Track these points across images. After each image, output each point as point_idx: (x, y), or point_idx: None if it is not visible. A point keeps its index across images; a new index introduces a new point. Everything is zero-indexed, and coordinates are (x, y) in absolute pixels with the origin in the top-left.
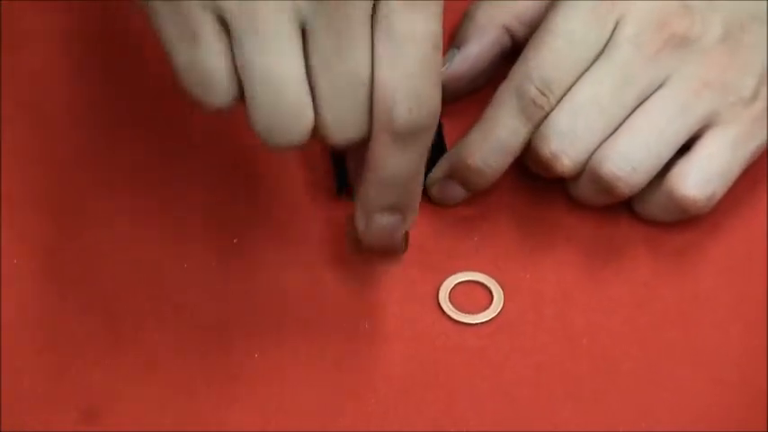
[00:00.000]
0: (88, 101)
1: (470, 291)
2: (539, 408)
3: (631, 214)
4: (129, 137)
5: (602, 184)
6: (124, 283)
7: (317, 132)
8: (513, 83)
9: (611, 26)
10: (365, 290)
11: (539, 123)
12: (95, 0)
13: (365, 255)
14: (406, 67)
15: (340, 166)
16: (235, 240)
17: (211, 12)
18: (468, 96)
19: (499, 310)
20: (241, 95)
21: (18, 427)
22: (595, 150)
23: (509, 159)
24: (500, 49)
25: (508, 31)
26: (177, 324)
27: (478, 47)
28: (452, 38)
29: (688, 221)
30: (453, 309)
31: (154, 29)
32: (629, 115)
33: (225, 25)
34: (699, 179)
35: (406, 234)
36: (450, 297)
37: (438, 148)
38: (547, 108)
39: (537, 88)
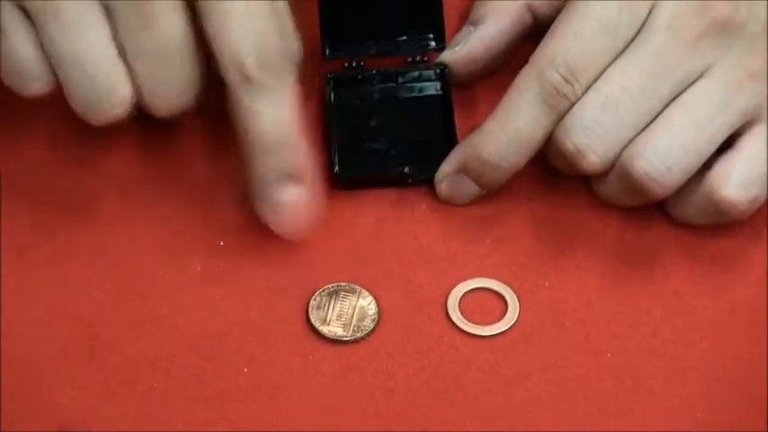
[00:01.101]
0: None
1: (482, 299)
2: (558, 429)
3: (663, 216)
4: (111, 137)
5: (633, 184)
6: (98, 291)
7: (145, 103)
8: (535, 68)
9: (645, 9)
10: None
11: (562, 114)
12: None
13: (365, 259)
14: (237, 11)
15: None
16: (221, 243)
17: (11, 2)
18: (482, 80)
19: (514, 320)
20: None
21: None
22: (626, 146)
23: (528, 153)
24: (521, 29)
25: (530, 8)
26: (157, 336)
27: (496, 26)
28: (467, 14)
29: (726, 226)
30: (463, 319)
31: None
32: (664, 108)
33: (28, 14)
34: (741, 180)
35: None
36: (459, 306)
37: (447, 140)
38: (572, 97)
39: (561, 75)
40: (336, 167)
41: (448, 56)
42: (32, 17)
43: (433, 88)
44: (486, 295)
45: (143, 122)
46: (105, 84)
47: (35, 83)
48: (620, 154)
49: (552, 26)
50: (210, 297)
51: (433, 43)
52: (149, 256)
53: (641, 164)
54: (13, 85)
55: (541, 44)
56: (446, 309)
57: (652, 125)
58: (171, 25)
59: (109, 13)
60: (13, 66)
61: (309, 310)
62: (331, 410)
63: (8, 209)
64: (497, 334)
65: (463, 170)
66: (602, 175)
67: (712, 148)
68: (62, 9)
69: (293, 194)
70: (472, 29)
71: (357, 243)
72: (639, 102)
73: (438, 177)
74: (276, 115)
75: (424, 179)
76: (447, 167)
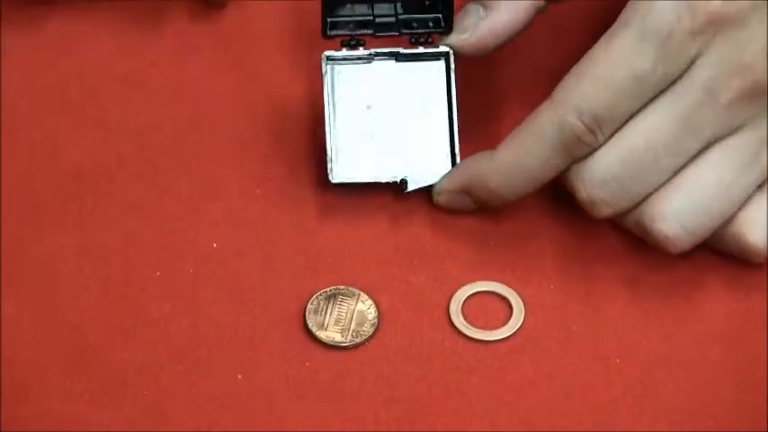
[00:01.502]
0: (56, 104)
1: (486, 303)
2: None
3: None
4: (98, 140)
5: (650, 239)
6: (86, 294)
7: None
8: (558, 111)
9: (684, 64)
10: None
11: (579, 159)
12: None
13: (364, 261)
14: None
15: (335, 154)
16: (214, 245)
17: None
18: (485, 82)
19: (519, 325)
20: None
21: None
22: (644, 200)
23: (536, 188)
24: (535, 11)
25: None
26: (148, 341)
27: (510, 15)
28: None
29: None
30: (466, 324)
31: None
32: (688, 163)
33: None
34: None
35: None
36: (462, 310)
37: (450, 146)
38: (593, 146)
39: (585, 124)
40: (330, 170)
41: (455, 41)
42: None
43: (435, 73)
44: (490, 299)
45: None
46: None
47: None
48: (636, 207)
49: (581, 65)
50: (202, 301)
51: (440, 23)
52: (139, 257)
53: (662, 226)
54: None
55: (567, 82)
56: (448, 313)
57: (674, 182)
58: None
59: None
60: None
61: (306, 314)
62: (328, 420)
63: None
64: (502, 339)
65: (466, 191)
66: (617, 217)
67: (736, 208)
68: None
69: None
70: (482, 12)
71: (356, 244)
72: (663, 159)
73: (437, 189)
74: None
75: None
76: (449, 185)
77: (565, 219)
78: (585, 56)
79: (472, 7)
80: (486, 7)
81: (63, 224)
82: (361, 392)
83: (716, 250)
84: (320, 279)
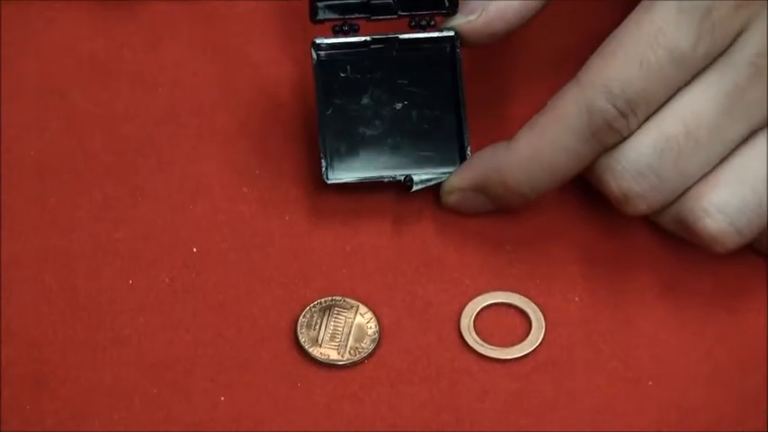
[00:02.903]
0: (12, 92)
1: (502, 317)
2: None
3: None
4: (62, 132)
5: (693, 238)
6: (47, 306)
7: None
8: (585, 94)
9: (728, 40)
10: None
11: (610, 148)
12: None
13: (364, 269)
14: None
15: (330, 156)
16: (194, 250)
17: None
18: (501, 60)
19: (539, 341)
20: None
21: None
22: (685, 193)
23: (561, 184)
24: None
25: None
26: (118, 360)
27: None
28: None
29: None
30: (479, 340)
31: None
32: (733, 151)
33: None
34: None
35: None
36: (475, 325)
37: (456, 144)
38: (625, 133)
39: (618, 109)
40: (325, 170)
41: (461, 24)
42: None
43: (439, 58)
44: (507, 312)
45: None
46: None
47: None
48: (676, 200)
49: (611, 41)
50: (180, 314)
51: (443, 4)
52: (108, 263)
53: (707, 223)
54: None
55: (596, 61)
56: (459, 328)
57: (719, 172)
58: None
59: None
60: None
61: (298, 328)
62: None
63: None
64: (519, 358)
65: (480, 189)
66: (654, 213)
67: None
68: None
69: None
70: None
71: (354, 250)
72: (706, 147)
73: (447, 188)
74: None
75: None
76: (460, 182)
77: (592, 219)
78: (615, 33)
79: None
80: None
81: (21, 227)
82: (359, 417)
83: (762, 252)
84: (314, 289)
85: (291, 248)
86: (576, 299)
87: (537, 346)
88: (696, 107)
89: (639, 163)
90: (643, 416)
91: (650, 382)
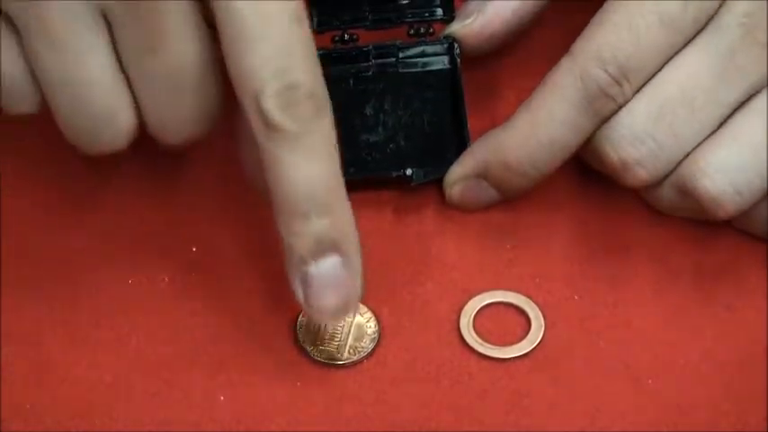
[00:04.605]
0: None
1: (501, 316)
2: None
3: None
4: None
5: (694, 205)
6: (47, 305)
7: (147, 131)
8: (578, 63)
9: (716, 2)
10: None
11: (606, 118)
12: None
13: (363, 269)
14: (265, 50)
15: None
16: (193, 249)
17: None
18: (498, 62)
19: (538, 340)
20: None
21: None
22: (684, 159)
23: (562, 160)
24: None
25: None
26: (116, 360)
27: None
28: None
29: None
30: (479, 339)
31: None
32: (731, 115)
33: (14, 25)
34: None
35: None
36: (474, 324)
37: (457, 130)
38: (620, 100)
39: (610, 75)
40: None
41: (458, 29)
42: (19, 30)
43: (439, 67)
44: (506, 311)
45: None
46: (103, 111)
47: (21, 103)
48: (676, 167)
49: (600, 12)
50: (180, 313)
51: (440, 12)
52: (107, 263)
53: (707, 184)
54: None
55: (586, 33)
56: (458, 327)
57: (717, 135)
58: (183, 46)
59: (109, 27)
60: None
61: (298, 328)
62: None
63: None
64: (519, 356)
65: (483, 175)
66: (653, 184)
67: None
68: (53, 24)
69: (329, 268)
70: None
71: None
72: (701, 110)
73: (449, 180)
74: (308, 170)
75: (430, 182)
76: (462, 170)
77: (590, 219)
78: (605, 5)
79: None
80: None
81: (21, 226)
82: (359, 417)
83: (760, 236)
84: None
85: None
86: (576, 297)
87: (536, 345)
88: (690, 71)
89: (636, 129)
90: (643, 415)
91: (650, 381)
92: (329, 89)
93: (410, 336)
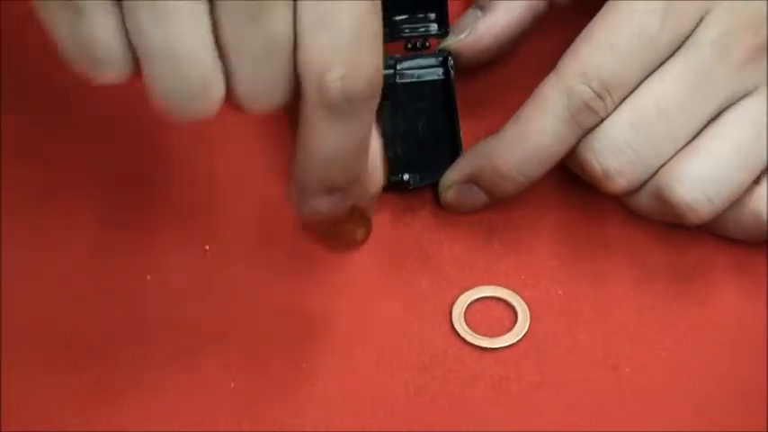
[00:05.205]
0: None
1: (490, 309)
2: None
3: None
4: (95, 144)
5: (669, 211)
6: (78, 294)
7: (231, 100)
8: (564, 80)
9: (693, 21)
10: (361, 308)
11: (589, 129)
12: None
13: (363, 265)
14: (335, 31)
15: None
16: (207, 247)
17: None
18: (489, 74)
19: (524, 331)
20: (137, 66)
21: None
22: (660, 168)
23: (548, 167)
24: (533, 16)
25: None
26: (132, 353)
27: (508, 15)
28: None
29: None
30: (469, 330)
31: None
32: (704, 128)
33: None
34: None
35: (367, 222)
36: (465, 316)
37: (450, 138)
38: (602, 113)
39: (593, 90)
40: None
41: (452, 43)
42: (120, 2)
43: (434, 78)
44: (494, 305)
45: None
46: (199, 82)
47: (110, 70)
48: (653, 176)
49: (585, 32)
50: (195, 306)
51: (435, 27)
52: (125, 260)
53: (681, 191)
54: (82, 68)
55: (571, 51)
56: (451, 319)
57: (691, 146)
58: (282, 18)
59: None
60: (87, 49)
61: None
62: (325, 429)
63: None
64: (506, 346)
65: (474, 180)
66: (632, 191)
67: (755, 176)
68: None
69: (337, 203)
70: (479, 13)
71: (352, 251)
72: (677, 122)
73: (444, 184)
74: (347, 143)
75: (425, 186)
76: (455, 176)
77: (573, 220)
78: (589, 25)
79: (470, 11)
80: (483, 9)
81: (58, 217)
82: (358, 404)
83: (733, 239)
84: (315, 285)
85: (299, 244)
86: (560, 292)
87: (522, 336)
88: (666, 87)
89: (617, 140)
90: (620, 400)
91: (627, 369)
92: None
93: (406, 327)
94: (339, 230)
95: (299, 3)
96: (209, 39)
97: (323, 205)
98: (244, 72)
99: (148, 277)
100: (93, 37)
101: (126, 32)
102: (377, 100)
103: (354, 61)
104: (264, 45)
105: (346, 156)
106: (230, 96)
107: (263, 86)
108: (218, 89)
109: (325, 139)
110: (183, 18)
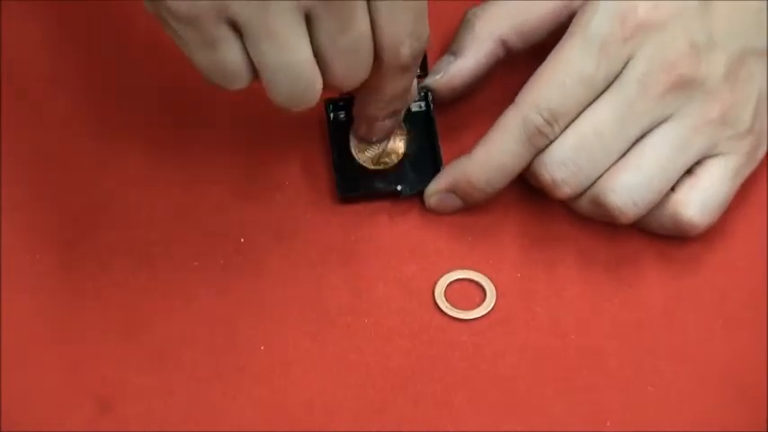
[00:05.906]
0: (98, 100)
1: (464, 288)
2: (531, 401)
3: None
4: (139, 138)
5: (604, 212)
6: (137, 280)
7: (328, 87)
8: (521, 110)
9: (620, 65)
10: (365, 288)
11: (541, 149)
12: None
13: (365, 254)
14: (407, 20)
15: (341, 174)
16: (242, 240)
17: (225, 21)
18: (462, 105)
19: (491, 306)
20: (257, 76)
21: (29, 424)
22: (597, 179)
23: (510, 180)
24: (495, 61)
25: (504, 44)
26: (187, 318)
27: (475, 59)
28: (449, 42)
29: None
30: (448, 305)
31: (169, 35)
32: (632, 147)
33: (237, 28)
34: (701, 207)
35: (404, 133)
36: (445, 294)
37: (432, 155)
38: (551, 137)
39: (544, 118)
40: (338, 187)
41: (430, 83)
42: (244, 33)
43: (417, 109)
44: (468, 285)
45: (166, 120)
46: (306, 83)
47: (238, 83)
48: (591, 185)
49: (537, 72)
50: (231, 289)
51: (417, 71)
52: (177, 254)
53: (613, 198)
54: (218, 84)
55: (527, 88)
56: (434, 297)
57: (622, 162)
58: (363, 23)
59: (309, 19)
60: (221, 72)
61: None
62: (334, 384)
63: (45, 205)
64: (478, 318)
65: (452, 190)
66: (575, 197)
67: (671, 184)
68: (273, 27)
69: (393, 121)
70: (452, 59)
71: (357, 239)
72: (610, 143)
73: (428, 193)
74: (407, 83)
75: (414, 194)
76: (437, 186)
77: (529, 218)
78: (541, 66)
79: (445, 57)
80: (455, 54)
81: (115, 220)
82: (361, 365)
83: (656, 234)
84: (328, 266)
85: (311, 242)
86: (519, 275)
87: (490, 310)
88: (600, 116)
89: (563, 156)
90: (567, 359)
91: (573, 336)
92: (336, 130)
93: (397, 303)
94: (390, 148)
95: (372, 3)
96: (309, 51)
97: (387, 125)
98: (338, 66)
99: (195, 263)
100: (225, 62)
101: (248, 55)
102: (425, 50)
103: (417, 34)
104: (353, 45)
105: (405, 91)
106: (327, 85)
107: (354, 71)
108: (319, 84)
109: (396, 85)
110: (291, 41)
